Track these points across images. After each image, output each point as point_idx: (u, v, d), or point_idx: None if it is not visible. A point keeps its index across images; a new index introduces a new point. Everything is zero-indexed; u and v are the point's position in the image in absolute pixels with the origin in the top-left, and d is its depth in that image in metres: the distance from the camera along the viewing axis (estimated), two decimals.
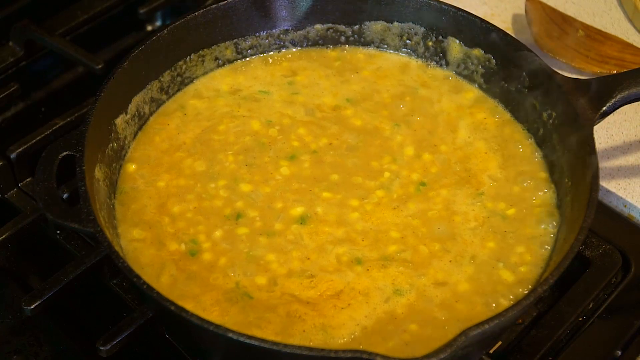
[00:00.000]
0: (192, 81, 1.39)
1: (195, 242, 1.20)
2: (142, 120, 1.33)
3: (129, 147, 1.30)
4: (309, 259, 1.18)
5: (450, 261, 1.18)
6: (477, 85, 1.38)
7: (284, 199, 1.25)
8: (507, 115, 1.34)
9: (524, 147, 1.31)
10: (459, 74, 1.40)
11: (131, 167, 1.28)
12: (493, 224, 1.22)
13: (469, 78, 1.39)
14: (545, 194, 1.25)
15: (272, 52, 1.43)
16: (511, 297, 1.15)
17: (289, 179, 1.27)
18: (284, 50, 1.44)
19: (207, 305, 1.13)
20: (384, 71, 1.41)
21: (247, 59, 1.42)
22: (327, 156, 1.30)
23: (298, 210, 1.23)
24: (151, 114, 1.34)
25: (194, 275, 1.16)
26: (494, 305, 1.13)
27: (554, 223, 1.22)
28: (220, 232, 1.21)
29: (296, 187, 1.26)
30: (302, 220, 1.22)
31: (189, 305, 1.10)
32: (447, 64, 1.40)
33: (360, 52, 1.43)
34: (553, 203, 1.24)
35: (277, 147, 1.31)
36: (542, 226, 1.21)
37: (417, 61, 1.42)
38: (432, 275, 1.16)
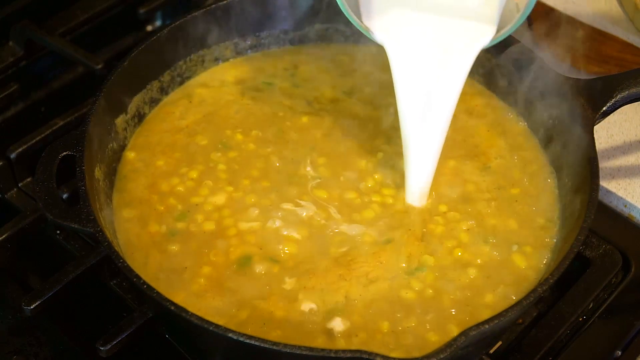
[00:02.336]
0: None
1: (190, 212, 1.21)
2: (142, 120, 1.33)
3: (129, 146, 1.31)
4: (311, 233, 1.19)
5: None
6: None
7: (285, 158, 1.28)
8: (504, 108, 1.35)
9: (525, 146, 1.31)
10: None
11: (131, 155, 1.28)
12: (505, 199, 1.23)
13: (469, 78, 1.39)
14: (544, 194, 1.25)
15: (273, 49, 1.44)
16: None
17: (294, 144, 1.30)
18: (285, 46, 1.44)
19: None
20: (383, 63, 1.40)
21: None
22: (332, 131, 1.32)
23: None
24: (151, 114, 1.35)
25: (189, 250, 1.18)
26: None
27: (557, 214, 1.22)
28: (223, 198, 1.23)
29: (300, 152, 1.29)
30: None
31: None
32: None
33: (362, 48, 1.43)
34: (554, 201, 1.24)
35: (281, 126, 1.32)
36: (546, 217, 1.22)
37: None
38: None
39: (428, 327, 1.11)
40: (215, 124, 1.32)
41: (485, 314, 1.11)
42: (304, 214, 1.21)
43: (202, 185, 1.25)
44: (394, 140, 1.29)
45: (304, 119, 1.33)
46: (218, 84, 1.39)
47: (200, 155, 1.29)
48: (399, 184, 1.25)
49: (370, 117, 1.34)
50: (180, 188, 1.24)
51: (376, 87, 1.38)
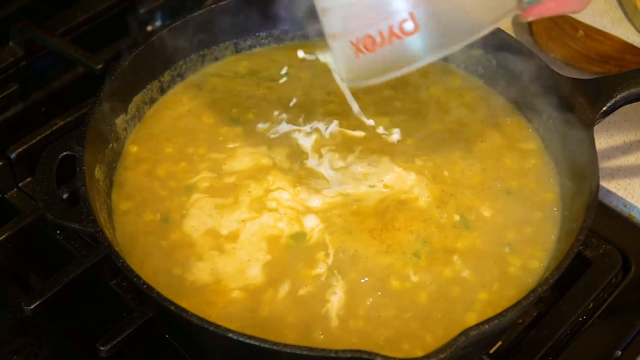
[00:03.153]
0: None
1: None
2: (142, 118, 1.33)
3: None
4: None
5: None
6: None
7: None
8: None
9: (523, 145, 1.31)
10: None
11: (133, 149, 1.29)
12: (505, 199, 1.23)
13: (469, 75, 1.39)
14: (544, 193, 1.25)
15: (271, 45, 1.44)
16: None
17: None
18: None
19: None
20: None
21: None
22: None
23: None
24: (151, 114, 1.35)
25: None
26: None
27: (556, 214, 1.22)
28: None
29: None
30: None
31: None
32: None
33: None
34: (553, 200, 1.24)
35: (295, 111, 1.33)
36: (545, 216, 1.22)
37: None
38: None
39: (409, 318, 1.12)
40: (222, 106, 1.33)
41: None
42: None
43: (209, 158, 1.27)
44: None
45: (330, 107, 1.34)
46: (232, 75, 1.39)
47: (206, 132, 1.29)
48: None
49: None
50: (189, 169, 1.26)
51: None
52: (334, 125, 1.30)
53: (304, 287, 1.13)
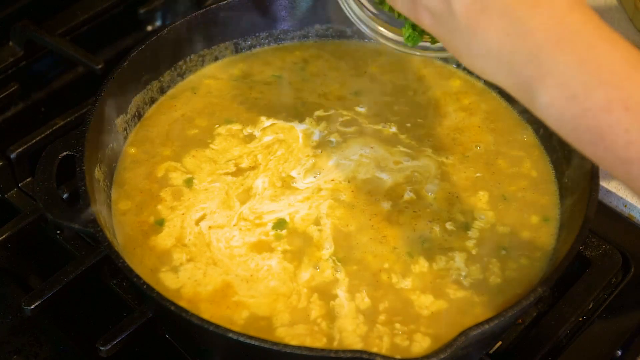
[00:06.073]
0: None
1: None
2: (142, 117, 1.33)
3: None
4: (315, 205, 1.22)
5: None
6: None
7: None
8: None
9: (523, 145, 1.31)
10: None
11: (131, 150, 1.29)
12: (504, 198, 1.24)
13: (470, 77, 1.39)
14: (544, 193, 1.25)
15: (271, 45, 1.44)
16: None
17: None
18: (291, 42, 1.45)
19: None
20: (389, 66, 1.41)
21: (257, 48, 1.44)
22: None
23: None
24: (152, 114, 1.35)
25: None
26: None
27: (556, 214, 1.22)
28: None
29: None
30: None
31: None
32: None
33: (369, 45, 1.44)
34: (553, 201, 1.24)
35: (286, 113, 1.33)
36: (544, 217, 1.22)
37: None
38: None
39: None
40: (214, 111, 1.34)
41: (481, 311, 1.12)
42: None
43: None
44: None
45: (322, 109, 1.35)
46: (226, 77, 1.39)
47: (199, 137, 1.30)
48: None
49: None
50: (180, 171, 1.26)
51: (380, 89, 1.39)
52: (327, 124, 1.32)
53: (316, 268, 1.15)
